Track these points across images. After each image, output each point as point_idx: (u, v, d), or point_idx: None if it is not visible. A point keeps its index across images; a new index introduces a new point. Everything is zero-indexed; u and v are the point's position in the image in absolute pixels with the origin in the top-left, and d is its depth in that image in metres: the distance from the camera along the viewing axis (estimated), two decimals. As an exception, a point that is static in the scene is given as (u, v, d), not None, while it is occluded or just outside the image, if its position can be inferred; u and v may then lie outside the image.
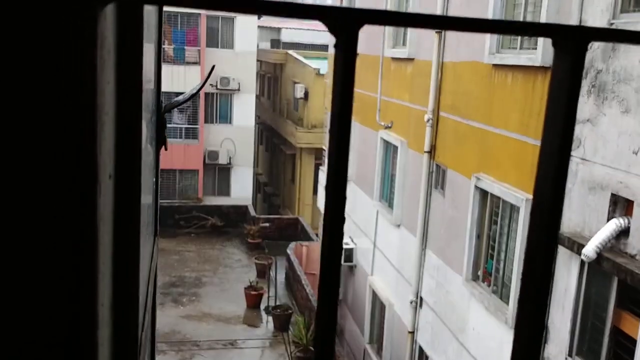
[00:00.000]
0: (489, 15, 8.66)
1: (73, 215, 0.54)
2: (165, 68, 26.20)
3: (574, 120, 0.49)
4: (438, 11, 10.26)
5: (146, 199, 1.44)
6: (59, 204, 0.53)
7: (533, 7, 8.01)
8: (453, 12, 10.01)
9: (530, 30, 0.52)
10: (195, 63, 25.65)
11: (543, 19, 7.44)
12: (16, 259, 0.53)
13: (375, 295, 13.34)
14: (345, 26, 0.41)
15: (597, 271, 6.56)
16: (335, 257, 0.44)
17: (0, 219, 0.52)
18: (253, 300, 17.84)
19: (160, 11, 1.89)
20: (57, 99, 0.51)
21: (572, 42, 0.49)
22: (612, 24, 6.36)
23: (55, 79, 0.50)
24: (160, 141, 1.94)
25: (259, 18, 27.70)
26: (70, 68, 0.51)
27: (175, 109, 25.33)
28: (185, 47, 25.79)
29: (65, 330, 0.56)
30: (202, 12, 25.59)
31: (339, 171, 0.42)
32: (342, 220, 0.43)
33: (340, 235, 0.43)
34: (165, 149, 2.03)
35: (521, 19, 8.22)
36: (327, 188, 0.43)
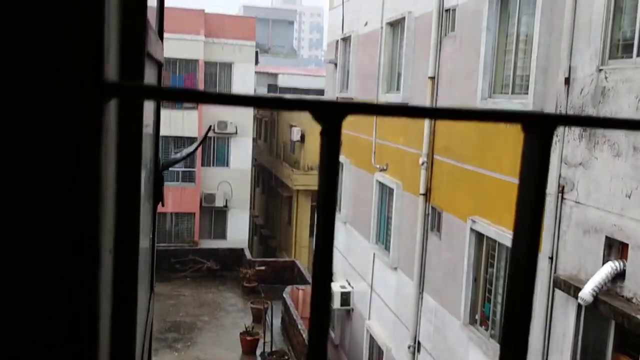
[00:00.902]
0: (481, 60, 8.85)
1: (74, 293, 0.57)
2: (164, 113, 26.37)
3: (543, 199, 0.53)
4: (431, 59, 10.48)
5: (141, 257, 1.48)
6: (62, 278, 0.56)
7: (523, 54, 8.19)
8: (446, 60, 10.22)
9: (501, 117, 0.56)
10: (192, 108, 25.91)
11: (533, 66, 7.61)
12: (19, 323, 0.56)
13: (372, 340, 13.18)
14: (330, 117, 0.46)
15: (594, 315, 6.54)
16: (324, 300, 0.48)
17: (7, 293, 0.55)
18: (249, 345, 17.58)
19: (160, 68, 1.95)
20: (63, 189, 0.55)
21: (539, 127, 0.52)
22: (600, 69, 6.51)
23: (61, 169, 0.55)
24: (157, 198, 1.97)
25: (256, 64, 28.14)
26: (77, 158, 0.55)
27: (173, 152, 25.46)
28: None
29: None
30: (200, 58, 26.01)
31: (325, 253, 0.46)
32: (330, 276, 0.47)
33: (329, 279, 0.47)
34: (162, 205, 2.07)
35: (512, 66, 8.40)
36: (314, 270, 0.47)
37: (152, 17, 1.72)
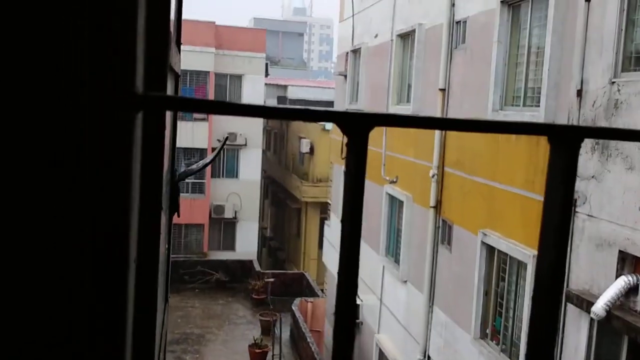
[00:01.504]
0: (492, 72, 8.83)
1: (105, 298, 0.58)
2: (173, 124, 26.19)
3: (570, 212, 0.51)
4: (441, 71, 10.47)
5: (160, 271, 1.48)
6: (94, 284, 0.57)
7: (535, 66, 8.17)
8: (456, 72, 10.21)
9: (526, 129, 0.55)
10: (203, 119, 26.04)
11: (545, 79, 7.57)
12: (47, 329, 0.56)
13: (382, 354, 13.08)
14: (357, 128, 0.45)
15: (607, 330, 6.45)
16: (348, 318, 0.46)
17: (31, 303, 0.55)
18: (257, 358, 17.51)
19: (177, 79, 1.96)
20: (96, 199, 0.57)
21: (566, 139, 0.51)
22: (613, 82, 6.47)
23: (95, 179, 0.56)
24: (173, 208, 1.97)
25: (266, 76, 28.27)
26: (110, 169, 0.57)
27: (182, 164, 25.54)
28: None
29: None
30: (211, 69, 26.17)
31: (350, 269, 0.44)
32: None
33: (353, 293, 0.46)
34: (178, 216, 2.07)
35: (523, 79, 8.37)
36: (339, 285, 0.46)
37: (171, 28, 1.72)
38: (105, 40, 0.56)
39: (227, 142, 26.66)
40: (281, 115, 0.48)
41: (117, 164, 0.57)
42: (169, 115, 1.74)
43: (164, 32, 0.97)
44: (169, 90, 1.64)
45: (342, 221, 0.47)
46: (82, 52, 0.55)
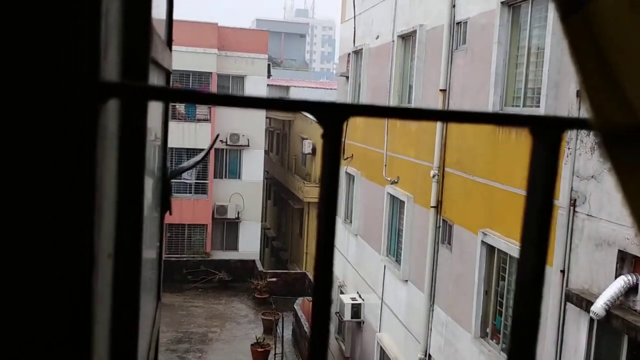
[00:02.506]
0: (492, 73, 8.87)
1: (70, 294, 0.56)
2: (177, 125, 26.43)
3: (551, 206, 0.51)
4: (442, 72, 10.51)
5: (147, 266, 1.48)
6: (60, 279, 0.56)
7: (535, 67, 8.21)
8: (457, 73, 10.25)
9: (508, 120, 0.55)
10: (205, 120, 26.09)
11: (545, 78, 7.61)
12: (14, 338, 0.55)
13: (383, 353, 13.12)
14: (331, 119, 0.46)
15: (606, 329, 6.48)
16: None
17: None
18: (259, 357, 17.55)
19: (169, 77, 1.99)
20: (56, 191, 0.54)
21: (548, 130, 0.51)
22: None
23: (54, 173, 0.54)
24: (165, 206, 2.00)
25: (268, 77, 28.31)
26: (69, 162, 0.54)
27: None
28: (196, 105, 26.27)
29: None
30: (213, 70, 26.23)
31: (326, 260, 0.47)
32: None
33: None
34: (170, 214, 2.09)
35: (523, 79, 8.41)
36: (315, 279, 0.48)
37: (160, 27, 1.75)
38: (66, 25, 0.53)
39: (230, 143, 26.71)
40: (252, 104, 0.48)
41: (81, 152, 0.54)
42: (157, 110, 1.76)
43: (145, 24, 0.95)
44: None
45: (319, 210, 0.49)
46: (41, 38, 0.53)
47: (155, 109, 1.69)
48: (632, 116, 0.43)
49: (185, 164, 3.76)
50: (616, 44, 0.42)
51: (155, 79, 1.48)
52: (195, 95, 0.52)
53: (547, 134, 0.51)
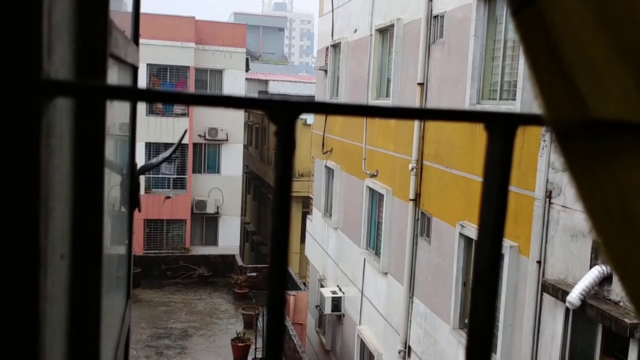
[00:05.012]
0: (469, 67, 8.93)
1: (11, 298, 0.54)
2: (155, 120, 26.16)
3: (506, 199, 0.53)
4: (420, 65, 10.55)
5: (114, 262, 1.46)
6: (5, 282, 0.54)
7: (511, 60, 8.28)
8: (434, 67, 10.30)
9: (464, 117, 0.56)
10: (183, 114, 25.89)
11: (520, 72, 7.69)
12: None
13: (363, 345, 13.20)
14: (284, 116, 0.47)
15: (582, 318, 6.60)
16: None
17: None
18: (240, 352, 17.54)
19: (135, 72, 1.97)
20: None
21: (501, 126, 0.52)
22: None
23: None
24: (133, 203, 1.98)
25: (247, 71, 28.18)
26: (8, 160, 0.53)
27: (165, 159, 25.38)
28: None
29: None
30: (191, 64, 26.03)
31: (280, 248, 0.47)
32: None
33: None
34: (139, 211, 2.08)
35: (499, 72, 8.48)
36: (270, 272, 0.49)
37: (125, 22, 1.73)
38: (3, 23, 0.52)
39: (209, 137, 26.56)
40: (207, 103, 0.47)
41: (22, 152, 0.53)
42: (124, 105, 1.74)
43: (101, 20, 0.93)
44: (123, 83, 1.61)
45: (273, 206, 0.49)
46: None
47: (122, 103, 1.67)
48: (584, 110, 0.44)
49: (154, 160, 3.74)
50: (568, 38, 0.43)
51: (117, 75, 1.46)
52: (138, 92, 0.52)
53: (501, 130, 0.52)
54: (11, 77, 0.52)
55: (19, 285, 0.54)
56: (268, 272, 0.49)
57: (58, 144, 0.69)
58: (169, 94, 0.49)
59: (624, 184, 0.43)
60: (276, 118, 0.47)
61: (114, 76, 1.37)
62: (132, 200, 1.94)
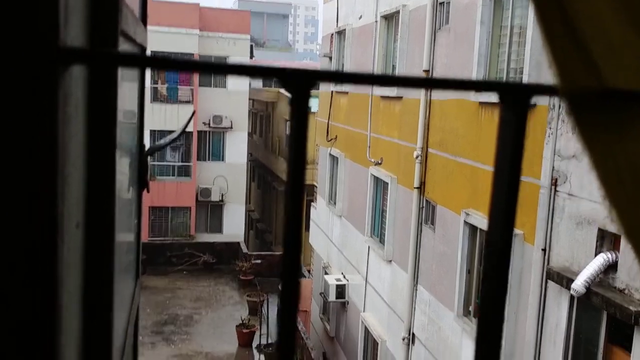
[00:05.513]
0: (475, 53, 8.87)
1: (33, 260, 0.55)
2: (159, 107, 26.18)
3: (519, 172, 0.52)
4: (425, 52, 10.49)
5: (124, 242, 1.48)
6: (18, 249, 0.55)
7: (517, 46, 8.22)
8: (440, 53, 10.24)
9: (479, 86, 0.56)
10: (188, 102, 25.87)
11: (527, 58, 7.63)
12: None
13: (367, 332, 13.25)
14: (298, 85, 0.46)
15: (586, 306, 6.59)
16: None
17: None
18: (245, 338, 17.64)
19: (144, 53, 1.97)
20: (16, 156, 0.53)
21: (515, 96, 0.52)
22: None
23: (14, 138, 0.53)
24: (142, 184, 1.99)
25: (251, 58, 28.09)
26: (29, 127, 0.53)
27: (169, 147, 25.45)
28: (179, 87, 26.08)
29: None
30: (195, 51, 25.97)
31: (294, 240, 0.46)
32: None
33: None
34: (147, 191, 2.09)
35: (505, 59, 8.42)
36: (284, 245, 0.48)
37: (134, 3, 1.73)
38: None
39: (213, 125, 26.54)
40: (217, 71, 0.47)
41: (40, 117, 0.53)
42: (132, 89, 1.74)
43: None
44: None
45: (286, 180, 0.49)
46: None
47: (130, 88, 1.67)
48: (597, 77, 0.43)
49: (162, 140, 3.77)
50: (583, 8, 0.42)
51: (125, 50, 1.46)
52: (151, 60, 0.52)
53: (514, 100, 0.52)
54: (31, 43, 0.52)
55: (39, 247, 0.55)
56: (282, 248, 0.48)
57: (74, 112, 0.70)
58: (180, 61, 0.49)
59: (635, 154, 0.43)
60: (291, 87, 0.46)
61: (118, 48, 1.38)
62: (141, 181, 1.95)
